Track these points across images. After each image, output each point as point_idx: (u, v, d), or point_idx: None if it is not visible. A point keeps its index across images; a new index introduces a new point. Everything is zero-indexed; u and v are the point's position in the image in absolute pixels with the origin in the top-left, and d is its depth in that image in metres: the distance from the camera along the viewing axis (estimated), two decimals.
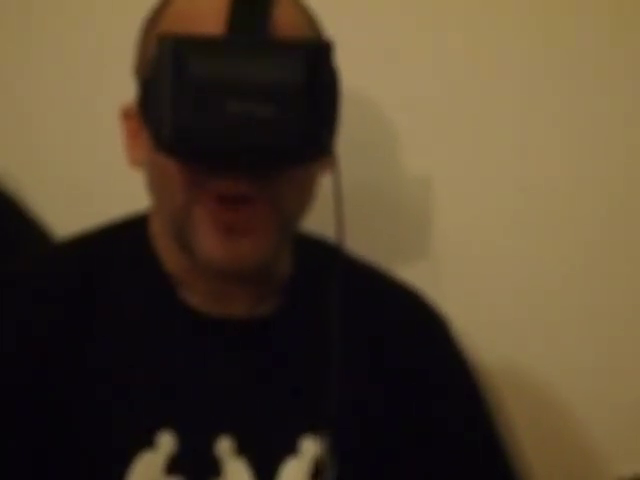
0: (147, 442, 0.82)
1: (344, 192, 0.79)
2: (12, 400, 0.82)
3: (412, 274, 1.01)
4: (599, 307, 1.07)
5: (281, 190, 0.80)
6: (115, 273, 0.87)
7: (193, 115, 0.73)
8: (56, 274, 0.87)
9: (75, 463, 0.82)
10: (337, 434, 0.83)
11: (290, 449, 0.85)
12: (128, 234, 0.89)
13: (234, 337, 0.86)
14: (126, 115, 0.86)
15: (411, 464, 0.90)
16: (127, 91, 0.84)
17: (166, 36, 0.75)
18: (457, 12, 1.06)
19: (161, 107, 0.75)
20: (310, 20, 0.85)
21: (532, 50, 1.06)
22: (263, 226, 0.80)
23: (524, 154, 1.07)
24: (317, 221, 0.89)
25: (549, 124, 1.06)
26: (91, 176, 1.09)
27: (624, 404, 1.06)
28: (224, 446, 0.84)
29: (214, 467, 0.83)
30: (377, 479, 0.88)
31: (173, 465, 0.83)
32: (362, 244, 0.95)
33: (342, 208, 0.79)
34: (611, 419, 1.06)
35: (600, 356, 1.06)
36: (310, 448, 0.85)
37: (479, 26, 1.06)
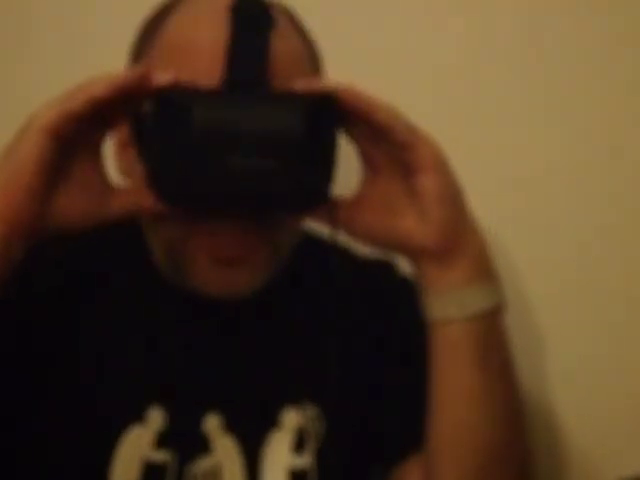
0: (137, 416, 0.84)
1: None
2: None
3: None
4: (600, 307, 1.06)
5: (275, 226, 0.82)
6: (105, 250, 0.89)
7: (193, 167, 0.73)
8: (57, 251, 0.86)
9: (65, 432, 0.84)
10: (329, 404, 0.85)
11: (272, 422, 0.86)
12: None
13: (222, 318, 0.87)
14: None
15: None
16: None
17: (168, 87, 0.74)
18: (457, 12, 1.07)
19: (157, 153, 0.75)
20: (309, 48, 0.85)
21: (532, 48, 1.06)
22: (257, 257, 0.82)
23: (527, 156, 1.06)
24: None
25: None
26: None
27: (624, 404, 1.06)
28: (212, 423, 0.85)
29: (203, 443, 0.85)
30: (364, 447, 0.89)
31: (162, 440, 0.84)
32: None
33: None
34: (611, 419, 1.06)
35: (599, 356, 1.06)
36: (292, 419, 0.87)
37: (477, 24, 1.07)
